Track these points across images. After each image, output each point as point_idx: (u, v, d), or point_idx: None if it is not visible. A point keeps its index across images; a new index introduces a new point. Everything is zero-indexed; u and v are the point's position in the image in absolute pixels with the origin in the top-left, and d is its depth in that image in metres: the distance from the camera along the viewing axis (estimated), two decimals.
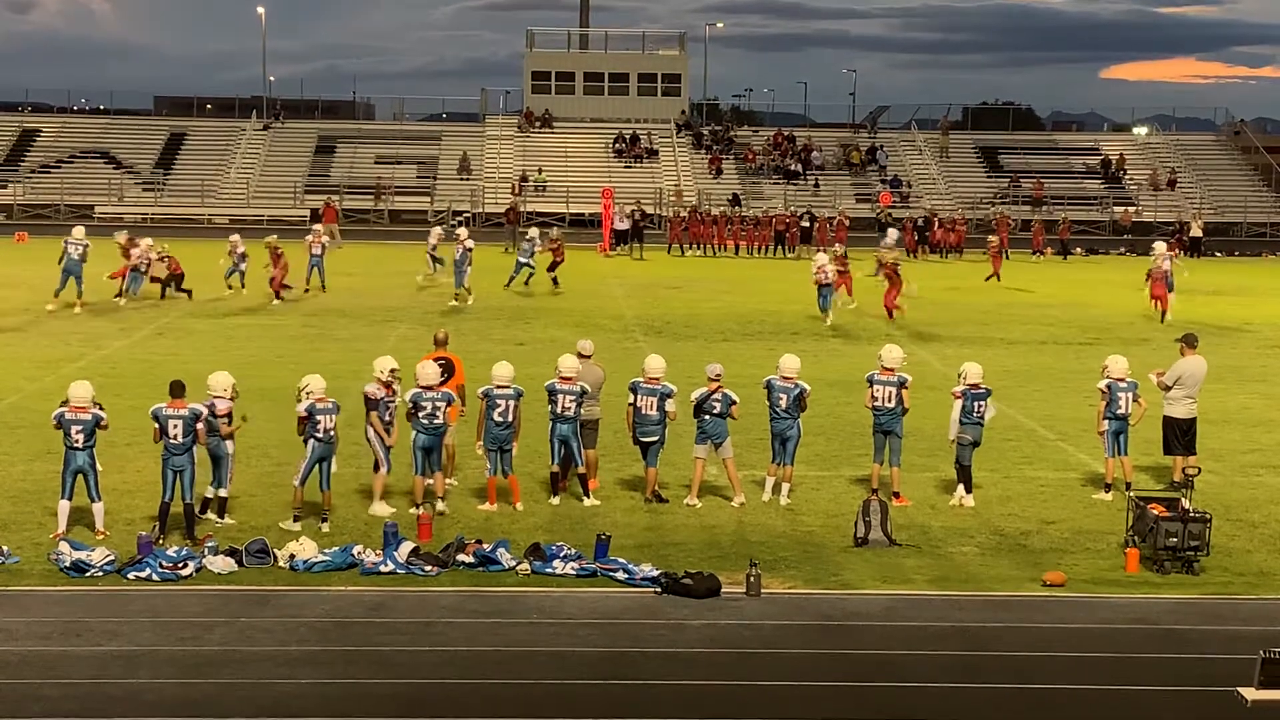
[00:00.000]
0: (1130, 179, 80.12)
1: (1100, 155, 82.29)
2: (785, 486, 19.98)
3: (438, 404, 19.05)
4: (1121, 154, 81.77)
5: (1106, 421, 20.47)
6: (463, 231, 42.50)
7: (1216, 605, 16.11)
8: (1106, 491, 20.40)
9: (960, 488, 20.18)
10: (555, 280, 44.77)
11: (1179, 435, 21.25)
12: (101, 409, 17.90)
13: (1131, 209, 75.80)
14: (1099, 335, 36.82)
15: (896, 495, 19.83)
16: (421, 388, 19.14)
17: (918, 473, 21.38)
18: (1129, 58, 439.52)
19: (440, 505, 18.94)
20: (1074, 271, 56.06)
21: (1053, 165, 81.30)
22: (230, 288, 42.16)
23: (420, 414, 19.00)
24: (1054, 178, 79.43)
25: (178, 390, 18.03)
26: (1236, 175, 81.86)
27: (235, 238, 43.85)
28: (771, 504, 19.78)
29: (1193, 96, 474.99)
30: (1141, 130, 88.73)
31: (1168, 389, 21.30)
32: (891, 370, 20.16)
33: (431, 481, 19.10)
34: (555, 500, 19.64)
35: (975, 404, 20.06)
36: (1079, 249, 64.05)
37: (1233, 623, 15.49)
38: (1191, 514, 17.19)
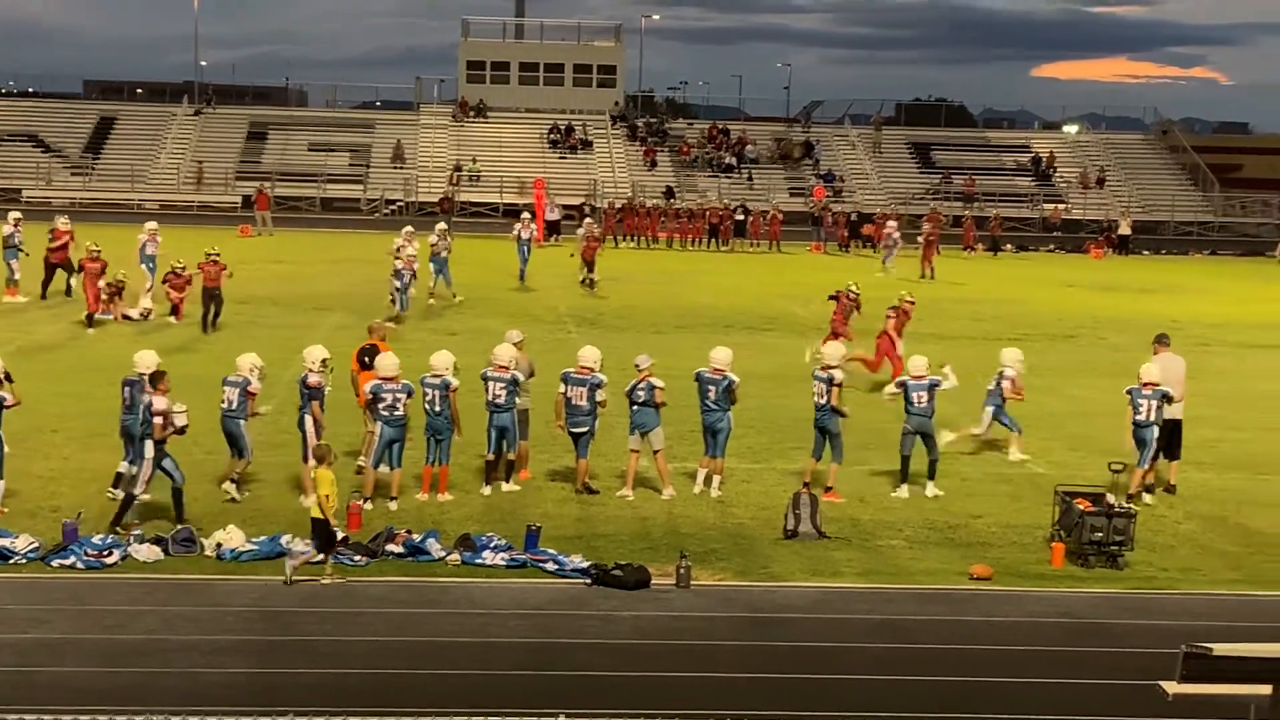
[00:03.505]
0: (1060, 177, 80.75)
1: (1031, 153, 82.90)
2: (716, 479, 20.03)
3: (398, 395, 18.95)
4: (1052, 152, 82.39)
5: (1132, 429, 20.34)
6: (442, 225, 41.17)
7: (1140, 599, 16.28)
8: (1149, 493, 20.32)
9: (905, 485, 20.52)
10: (591, 282, 43.77)
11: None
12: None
13: (1061, 206, 76.41)
14: (1029, 331, 37.10)
15: (828, 489, 19.88)
16: (381, 379, 19.08)
17: (847, 466, 21.46)
18: (1061, 56, 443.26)
19: (393, 504, 18.86)
20: (1004, 268, 56.46)
21: (984, 162, 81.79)
22: (398, 309, 35.67)
23: (380, 405, 18.93)
24: (986, 174, 79.93)
25: (156, 379, 17.96)
26: (1164, 174, 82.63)
27: (407, 232, 38.92)
28: (703, 496, 19.82)
29: (1123, 95, 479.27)
30: (1072, 129, 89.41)
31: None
32: (828, 367, 20.22)
33: (387, 473, 19.05)
34: (487, 490, 19.62)
35: (915, 394, 20.18)
36: (1009, 245, 64.48)
37: (1156, 617, 15.66)
38: (1116, 509, 17.36)
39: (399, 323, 33.23)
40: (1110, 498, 17.65)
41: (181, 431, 17.80)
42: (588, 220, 49.41)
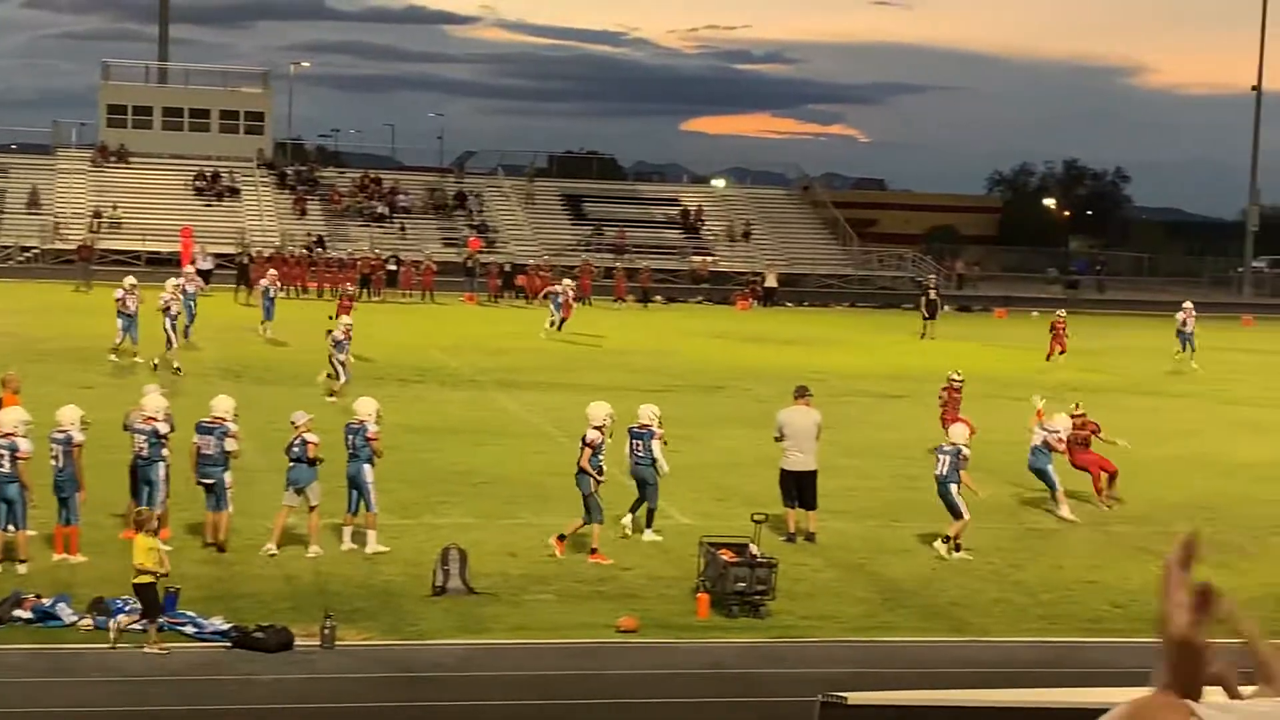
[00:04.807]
0: (708, 230, 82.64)
1: (680, 206, 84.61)
2: (371, 534, 19.66)
3: (1, 451, 18.13)
4: (700, 205, 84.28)
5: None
6: (131, 280, 38.56)
7: (781, 648, 16.63)
8: (956, 551, 20.68)
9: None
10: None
11: (789, 488, 21.36)
12: None
13: (708, 259, 78.13)
14: (677, 382, 37.71)
15: (593, 551, 19.78)
16: None
17: (498, 520, 21.44)
18: (709, 111, 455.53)
19: (21, 568, 17.99)
20: (654, 319, 57.41)
21: (635, 214, 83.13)
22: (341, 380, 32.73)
23: None
24: (636, 227, 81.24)
25: None
26: (806, 229, 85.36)
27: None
28: (350, 553, 19.47)
29: (768, 151, 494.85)
30: (719, 183, 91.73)
31: (777, 440, 21.74)
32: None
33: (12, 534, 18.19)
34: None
35: (635, 442, 20.44)
36: (659, 297, 65.64)
37: (797, 665, 16.00)
38: (758, 559, 17.72)
39: (339, 395, 30.90)
40: (753, 548, 18.00)
41: None
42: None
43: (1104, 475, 24.18)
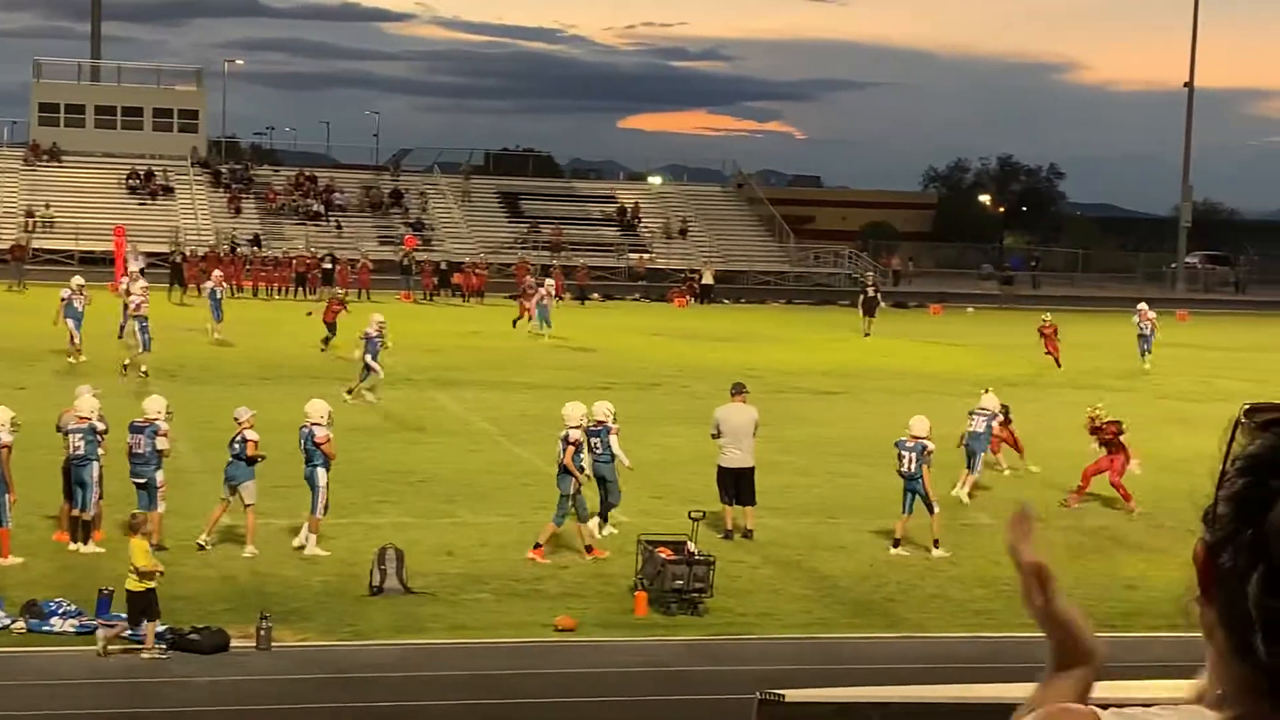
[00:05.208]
0: (645, 227, 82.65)
1: (617, 203, 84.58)
2: (312, 537, 19.55)
3: None
4: (637, 203, 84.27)
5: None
6: (79, 280, 38.93)
7: (720, 645, 16.66)
8: (895, 546, 20.69)
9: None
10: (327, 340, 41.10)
11: (727, 485, 21.40)
12: None
13: (646, 256, 78.15)
14: (613, 379, 37.69)
15: (536, 546, 19.70)
16: None
17: (435, 519, 21.38)
18: (645, 108, 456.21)
19: None
20: (592, 316, 57.35)
21: (571, 212, 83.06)
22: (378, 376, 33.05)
23: None
24: (573, 224, 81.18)
25: None
26: (743, 225, 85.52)
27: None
28: (288, 554, 19.36)
29: (704, 148, 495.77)
30: (656, 180, 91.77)
31: (714, 437, 21.74)
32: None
33: None
34: (73, 546, 18.92)
35: (592, 440, 20.41)
36: (596, 295, 65.58)
37: (734, 662, 16.03)
38: (696, 557, 17.74)
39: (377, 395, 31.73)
40: (691, 545, 18.01)
41: None
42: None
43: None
